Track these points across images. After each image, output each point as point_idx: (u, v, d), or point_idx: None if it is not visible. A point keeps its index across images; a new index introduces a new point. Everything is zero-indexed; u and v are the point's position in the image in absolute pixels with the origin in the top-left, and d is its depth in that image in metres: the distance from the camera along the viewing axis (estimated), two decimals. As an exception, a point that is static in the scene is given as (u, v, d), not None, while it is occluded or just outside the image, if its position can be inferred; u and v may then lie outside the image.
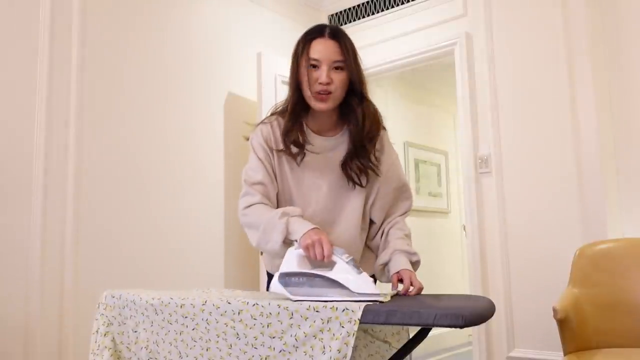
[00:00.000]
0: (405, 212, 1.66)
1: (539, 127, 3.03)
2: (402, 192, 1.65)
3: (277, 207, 1.58)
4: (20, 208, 2.45)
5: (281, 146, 1.54)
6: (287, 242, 1.42)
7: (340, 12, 4.10)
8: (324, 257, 1.30)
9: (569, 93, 2.93)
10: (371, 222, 1.65)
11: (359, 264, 1.60)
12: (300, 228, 1.40)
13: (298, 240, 1.37)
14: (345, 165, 1.54)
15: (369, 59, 3.86)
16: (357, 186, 1.56)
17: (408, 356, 1.35)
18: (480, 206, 3.24)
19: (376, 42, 3.86)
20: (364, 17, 3.96)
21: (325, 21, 4.17)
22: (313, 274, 1.29)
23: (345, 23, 4.06)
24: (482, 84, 3.29)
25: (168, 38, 3.12)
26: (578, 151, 2.89)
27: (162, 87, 3.06)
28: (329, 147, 1.57)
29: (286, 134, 1.53)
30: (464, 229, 3.58)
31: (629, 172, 2.91)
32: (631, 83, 2.92)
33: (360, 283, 1.24)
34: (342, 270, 1.27)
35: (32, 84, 2.53)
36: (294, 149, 1.54)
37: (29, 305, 2.42)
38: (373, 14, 3.90)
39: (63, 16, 2.66)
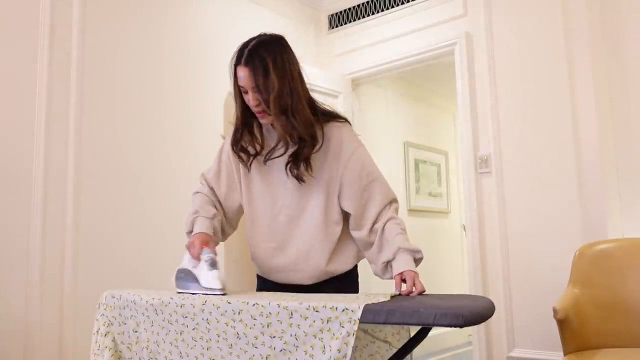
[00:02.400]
0: (389, 203, 1.64)
1: (539, 127, 3.03)
2: (369, 180, 1.64)
3: (244, 204, 1.73)
4: (20, 208, 2.45)
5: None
6: None
7: (340, 12, 4.10)
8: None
9: (569, 93, 2.93)
10: (348, 213, 1.65)
11: (333, 255, 1.65)
12: (196, 228, 1.63)
13: None
14: (287, 165, 1.62)
15: (369, 59, 3.90)
16: (317, 180, 1.63)
17: (408, 356, 1.35)
18: (480, 206, 3.24)
19: (376, 42, 3.86)
20: (364, 17, 3.96)
21: (325, 21, 4.17)
22: (189, 270, 1.54)
23: (345, 23, 4.06)
24: (482, 84, 3.29)
25: (168, 38, 3.12)
26: (578, 151, 2.89)
27: (162, 88, 3.06)
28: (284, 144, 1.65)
29: (233, 145, 1.68)
30: (464, 229, 3.58)
31: (629, 172, 2.91)
32: (631, 83, 2.93)
33: (208, 278, 1.46)
34: (201, 267, 1.50)
35: (32, 84, 2.53)
36: (243, 155, 1.68)
37: (29, 305, 2.42)
38: (373, 13, 3.90)
39: (63, 16, 2.66)
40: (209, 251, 1.52)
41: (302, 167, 1.59)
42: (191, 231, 1.65)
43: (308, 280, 1.66)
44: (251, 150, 1.67)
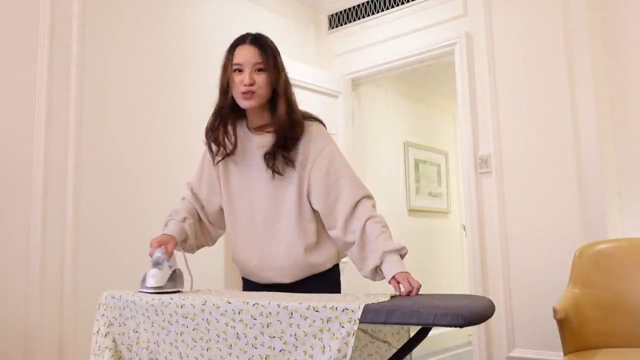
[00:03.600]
0: (361, 199, 1.61)
1: (539, 127, 3.03)
2: (336, 177, 1.63)
3: (224, 205, 1.76)
4: (20, 208, 2.45)
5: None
6: None
7: (340, 12, 4.10)
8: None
9: (569, 93, 2.93)
10: (317, 211, 1.67)
11: (313, 252, 1.67)
12: (164, 231, 1.69)
13: None
14: (266, 156, 1.65)
15: (369, 59, 3.90)
16: (289, 178, 1.65)
17: (408, 356, 1.35)
18: (480, 206, 3.24)
19: (376, 42, 3.86)
20: (364, 17, 3.96)
21: (325, 21, 4.18)
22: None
23: (345, 23, 4.06)
24: (482, 84, 3.29)
25: (167, 38, 3.12)
26: (578, 151, 2.89)
27: (162, 88, 3.06)
28: (264, 144, 1.68)
29: (207, 132, 1.73)
30: (464, 229, 3.58)
31: (629, 172, 2.91)
32: (631, 83, 2.93)
33: (149, 277, 1.54)
34: (151, 267, 1.57)
35: (32, 84, 2.53)
36: (214, 147, 1.71)
37: (29, 305, 2.42)
38: (373, 13, 3.90)
39: (63, 16, 2.66)
40: (160, 251, 1.58)
41: (279, 158, 1.63)
42: None
43: (288, 278, 1.67)
44: (222, 149, 1.71)
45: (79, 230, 2.61)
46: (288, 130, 1.63)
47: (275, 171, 1.64)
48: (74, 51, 2.68)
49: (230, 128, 1.71)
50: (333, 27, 4.14)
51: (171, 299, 1.40)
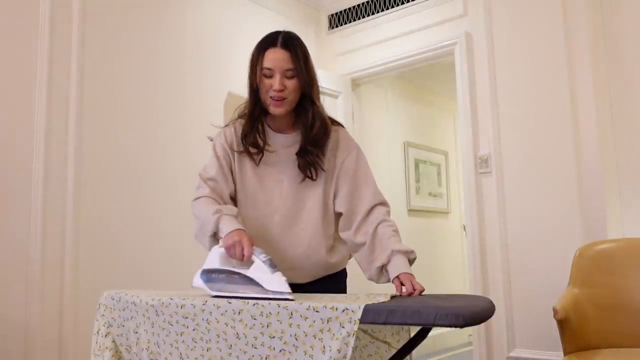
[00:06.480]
0: (378, 204, 1.63)
1: (539, 127, 3.03)
2: (361, 181, 1.66)
3: (237, 204, 1.69)
4: (20, 208, 2.45)
5: (241, 147, 1.68)
6: (218, 239, 1.52)
7: (340, 12, 4.10)
8: (243, 257, 1.40)
9: (569, 93, 2.93)
10: (339, 213, 1.68)
11: (332, 252, 1.67)
12: (226, 227, 1.49)
13: (222, 239, 1.48)
14: (299, 160, 1.64)
15: (369, 59, 3.89)
16: (316, 180, 1.65)
17: (408, 356, 1.35)
18: (480, 206, 3.24)
19: (376, 41, 3.86)
20: (364, 17, 3.96)
21: (325, 21, 4.18)
22: (231, 271, 1.39)
23: (345, 23, 4.06)
24: (482, 84, 3.29)
25: (168, 38, 3.12)
26: (578, 151, 2.89)
27: (162, 87, 3.06)
28: (287, 144, 1.68)
29: (245, 137, 1.67)
30: (464, 229, 3.58)
31: (629, 172, 2.91)
32: (631, 83, 2.93)
33: (273, 281, 1.33)
34: (258, 269, 1.36)
35: (32, 83, 2.53)
36: (252, 150, 1.66)
37: (29, 305, 2.42)
38: (373, 13, 3.90)
39: (63, 16, 2.66)
40: (262, 251, 1.39)
41: (307, 162, 1.62)
42: (215, 232, 1.52)
43: (306, 278, 1.67)
44: (258, 150, 1.66)
45: (79, 230, 2.61)
46: (316, 134, 1.62)
47: (308, 176, 1.63)
48: (74, 51, 2.68)
49: (260, 129, 1.68)
50: (333, 27, 4.14)
51: (171, 299, 1.40)
